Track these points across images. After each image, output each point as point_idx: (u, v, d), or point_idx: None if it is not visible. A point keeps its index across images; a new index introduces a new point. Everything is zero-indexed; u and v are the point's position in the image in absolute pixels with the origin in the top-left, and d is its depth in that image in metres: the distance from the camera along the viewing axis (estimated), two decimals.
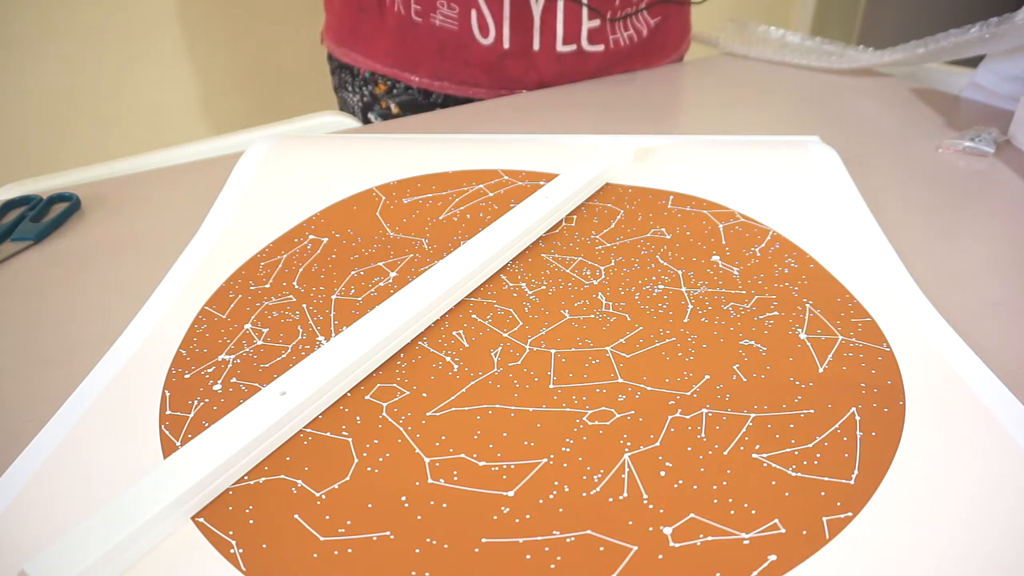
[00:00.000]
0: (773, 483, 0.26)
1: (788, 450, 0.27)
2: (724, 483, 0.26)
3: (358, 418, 0.29)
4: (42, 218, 0.46)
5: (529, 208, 0.40)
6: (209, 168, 0.52)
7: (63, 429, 0.29)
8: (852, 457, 0.27)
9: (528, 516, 0.25)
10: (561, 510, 0.25)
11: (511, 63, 0.67)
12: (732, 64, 0.73)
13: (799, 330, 0.33)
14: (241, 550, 0.24)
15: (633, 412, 0.29)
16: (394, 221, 0.42)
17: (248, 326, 0.35)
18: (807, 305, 0.35)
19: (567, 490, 0.26)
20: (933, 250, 0.41)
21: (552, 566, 0.24)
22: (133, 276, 0.40)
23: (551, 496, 0.26)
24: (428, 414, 0.30)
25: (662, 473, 0.27)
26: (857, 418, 0.29)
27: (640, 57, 0.71)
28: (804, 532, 0.24)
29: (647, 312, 0.35)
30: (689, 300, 0.36)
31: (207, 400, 0.30)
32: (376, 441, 0.28)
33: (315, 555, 0.24)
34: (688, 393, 0.30)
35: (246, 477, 0.27)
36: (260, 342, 0.34)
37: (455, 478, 0.27)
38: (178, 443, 0.28)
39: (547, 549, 0.24)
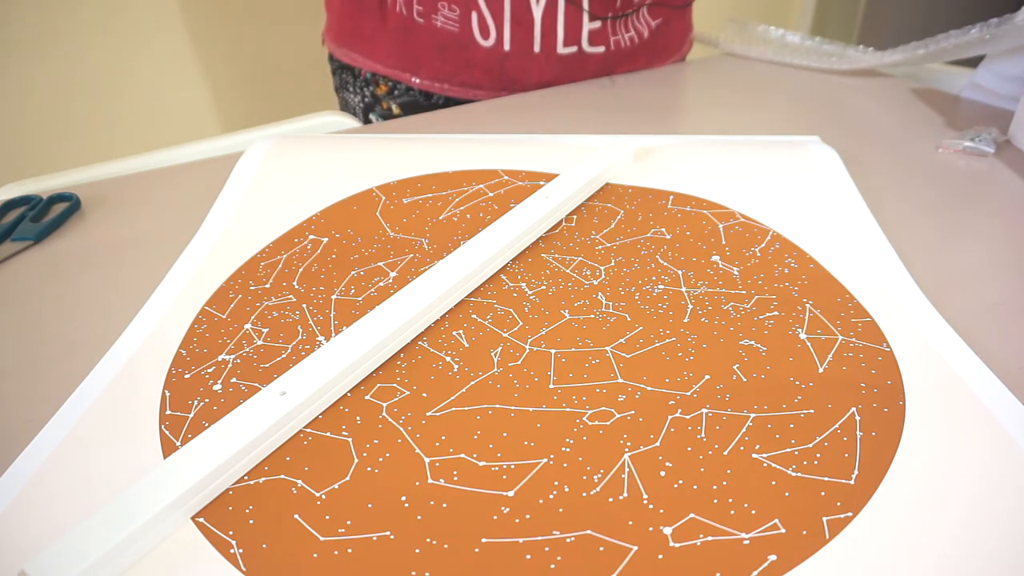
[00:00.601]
0: (773, 483, 0.26)
1: (788, 450, 0.27)
2: (724, 483, 0.26)
3: (358, 418, 0.29)
4: (42, 218, 0.46)
5: (529, 208, 0.40)
6: (209, 168, 0.52)
7: (63, 429, 0.29)
8: (852, 457, 0.27)
9: (528, 516, 0.25)
10: (561, 510, 0.25)
11: (512, 64, 0.67)
12: (732, 64, 0.73)
13: (799, 330, 0.33)
14: (241, 550, 0.24)
15: (633, 412, 0.29)
16: (394, 221, 0.42)
17: (248, 326, 0.35)
18: (807, 305, 0.35)
19: (567, 490, 0.26)
20: (933, 250, 0.41)
21: (552, 566, 0.24)
22: (133, 276, 0.40)
23: (551, 496, 0.26)
24: (428, 414, 0.30)
25: (662, 473, 0.27)
26: (857, 418, 0.29)
27: (641, 58, 0.71)
28: (804, 532, 0.24)
29: (647, 312, 0.35)
30: (689, 300, 0.36)
31: (207, 400, 0.30)
32: (376, 441, 0.28)
33: (315, 555, 0.24)
34: (688, 393, 0.30)
35: (246, 477, 0.27)
36: (260, 342, 0.34)
37: (455, 478, 0.27)
38: (178, 443, 0.28)
39: (547, 549, 0.24)
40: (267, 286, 0.37)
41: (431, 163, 0.47)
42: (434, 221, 0.42)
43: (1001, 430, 0.28)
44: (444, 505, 0.26)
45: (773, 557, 0.24)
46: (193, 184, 0.50)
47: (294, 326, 0.35)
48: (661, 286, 0.37)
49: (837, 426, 0.28)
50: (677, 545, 0.24)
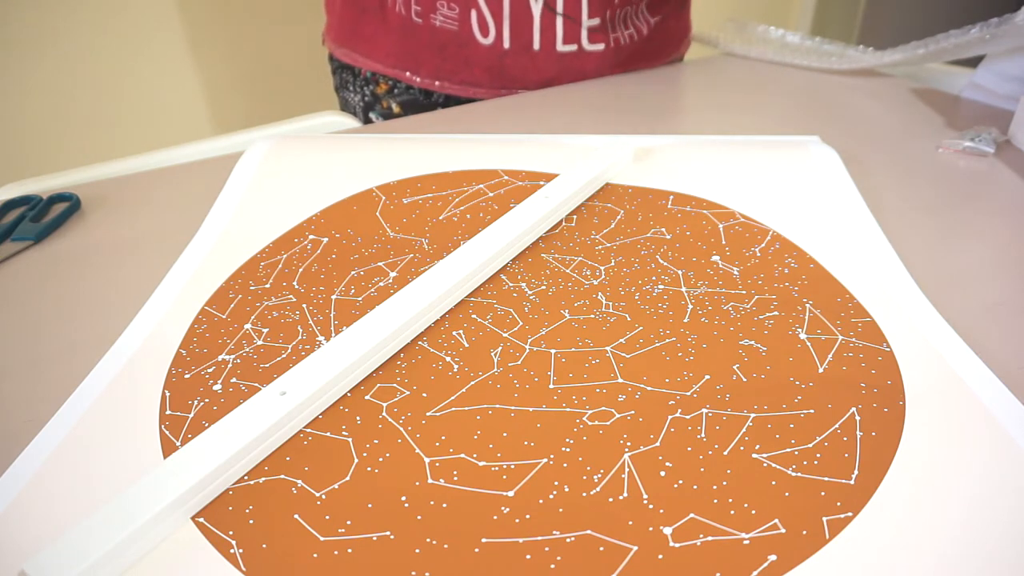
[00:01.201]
0: (773, 483, 0.26)
1: (788, 450, 0.27)
2: (724, 483, 0.26)
3: (358, 418, 0.29)
4: (42, 218, 0.46)
5: (529, 208, 0.40)
6: (209, 168, 0.52)
7: (63, 429, 0.29)
8: (852, 457, 0.27)
9: (528, 516, 0.25)
10: (561, 510, 0.25)
11: (511, 62, 0.67)
12: (732, 64, 0.73)
13: (799, 330, 0.33)
14: (241, 550, 0.24)
15: (633, 412, 0.29)
16: (394, 221, 0.42)
17: (248, 326, 0.35)
18: (807, 305, 0.35)
19: (567, 490, 0.26)
20: (933, 250, 0.41)
21: (552, 566, 0.24)
22: (133, 276, 0.40)
23: (551, 496, 0.26)
24: (428, 414, 0.30)
25: (662, 473, 0.27)
26: (857, 418, 0.29)
27: (641, 56, 0.71)
28: (804, 532, 0.24)
29: (647, 312, 0.35)
30: (689, 300, 0.36)
31: (207, 400, 0.30)
32: (376, 441, 0.28)
33: (315, 555, 0.24)
34: (688, 393, 0.30)
35: (246, 477, 0.27)
36: (260, 342, 0.34)
37: (455, 478, 0.27)
38: (178, 443, 0.28)
39: (547, 549, 0.24)
40: (267, 286, 0.37)
41: (431, 163, 0.47)
42: (434, 221, 0.42)
43: (1001, 430, 0.28)
44: (444, 505, 0.26)
45: (773, 557, 0.24)
46: (193, 184, 0.50)
47: (294, 326, 0.35)
48: (661, 286, 0.37)
49: (837, 426, 0.28)
50: (677, 545, 0.24)
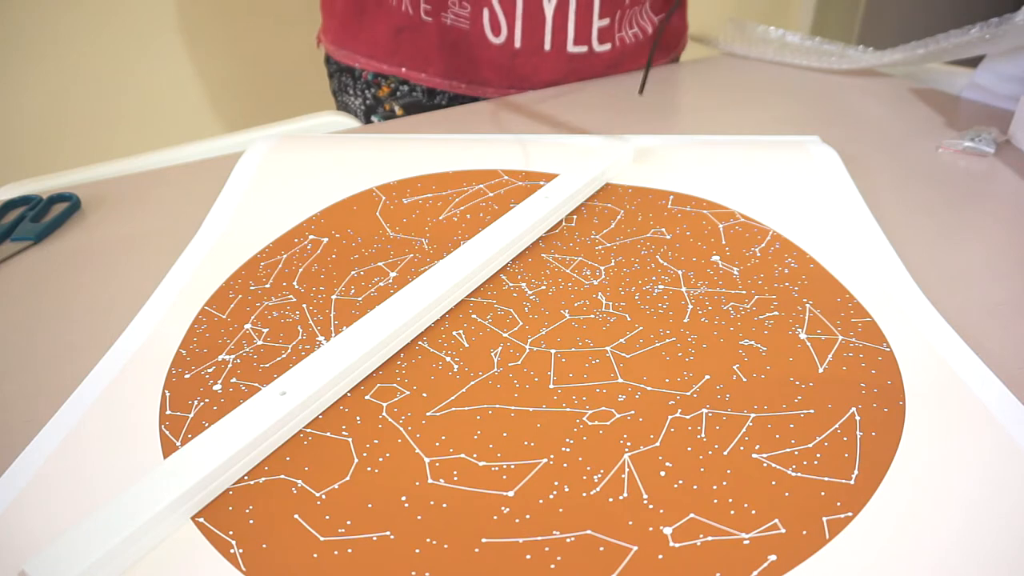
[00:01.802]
0: (773, 483, 0.26)
1: (788, 450, 0.27)
2: (724, 483, 0.26)
3: (358, 418, 0.29)
4: (42, 218, 0.46)
5: (529, 208, 0.40)
6: (209, 168, 0.52)
7: (63, 429, 0.29)
8: (852, 457, 0.27)
9: (528, 516, 0.25)
10: (561, 510, 0.25)
11: (522, 62, 0.67)
12: (732, 64, 0.73)
13: (799, 330, 0.33)
14: (241, 550, 0.24)
15: (633, 412, 0.29)
16: (394, 221, 0.42)
17: (248, 326, 0.35)
18: (807, 305, 0.35)
19: (567, 490, 0.26)
20: (933, 250, 0.41)
21: (552, 566, 0.24)
22: (133, 276, 0.40)
23: (551, 496, 0.26)
24: (428, 414, 0.30)
25: (662, 473, 0.27)
26: (857, 418, 0.29)
27: (642, 56, 0.71)
28: (804, 532, 0.24)
29: (647, 312, 0.35)
30: (689, 300, 0.36)
31: (207, 400, 0.30)
32: (376, 441, 0.28)
33: (315, 555, 0.24)
34: (688, 393, 0.30)
35: (246, 477, 0.27)
36: (260, 342, 0.34)
37: (455, 478, 0.27)
38: (178, 443, 0.28)
39: (547, 549, 0.24)
40: (267, 286, 0.37)
41: (431, 163, 0.47)
42: (434, 221, 0.42)
43: (1001, 430, 0.28)
44: (444, 505, 0.26)
45: (773, 557, 0.24)
46: (193, 184, 0.50)
47: (294, 326, 0.35)
48: (661, 286, 0.37)
49: (837, 426, 0.28)
50: (677, 545, 0.24)
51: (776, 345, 0.33)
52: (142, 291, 0.38)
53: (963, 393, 0.30)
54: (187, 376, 0.32)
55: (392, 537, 0.25)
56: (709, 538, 0.24)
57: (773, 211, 0.42)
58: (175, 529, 0.25)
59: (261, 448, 0.27)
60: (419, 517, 0.25)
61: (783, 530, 0.24)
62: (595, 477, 0.27)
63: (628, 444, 0.28)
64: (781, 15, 1.91)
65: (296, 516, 0.25)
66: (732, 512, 0.25)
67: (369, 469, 0.27)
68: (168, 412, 0.30)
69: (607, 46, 0.68)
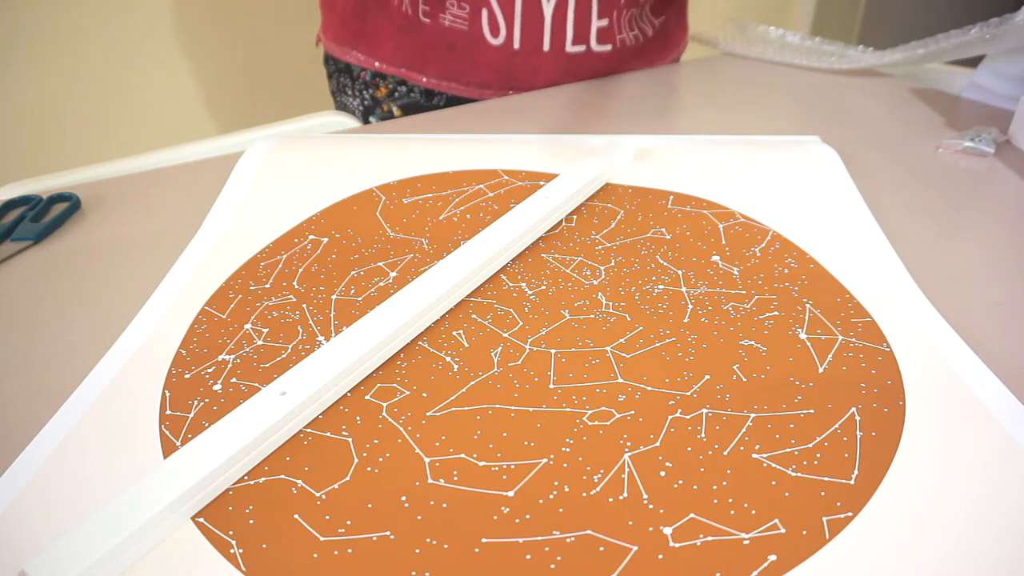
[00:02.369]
0: (773, 483, 0.26)
1: (788, 450, 0.27)
2: (724, 483, 0.26)
3: (358, 418, 0.29)
4: (42, 218, 0.46)
5: (529, 208, 0.40)
6: (209, 168, 0.52)
7: (63, 429, 0.29)
8: (852, 457, 0.27)
9: (528, 516, 0.25)
10: (561, 510, 0.25)
11: (520, 63, 0.67)
12: (732, 64, 0.73)
13: (799, 330, 0.33)
14: (241, 550, 0.24)
15: (633, 412, 0.29)
16: (394, 221, 0.42)
17: (248, 326, 0.35)
18: (807, 305, 0.35)
19: (567, 490, 0.26)
20: (933, 250, 0.41)
21: (552, 566, 0.24)
22: (133, 276, 0.40)
23: (551, 496, 0.26)
24: (428, 414, 0.30)
25: (662, 473, 0.27)
26: (857, 418, 0.29)
27: (642, 57, 0.72)
28: (804, 532, 0.24)
29: (647, 312, 0.35)
30: (689, 300, 0.36)
31: (207, 400, 0.30)
32: (376, 441, 0.28)
33: (315, 555, 0.24)
34: (688, 393, 0.30)
35: (246, 477, 0.27)
36: (260, 342, 0.34)
37: (455, 478, 0.27)
38: (178, 443, 0.28)
39: (547, 549, 0.24)
40: (267, 286, 0.37)
41: (431, 163, 0.47)
42: (434, 221, 0.42)
43: (1001, 430, 0.28)
44: (444, 505, 0.26)
45: (773, 557, 0.24)
46: (193, 184, 0.50)
47: (294, 326, 0.35)
48: (661, 286, 0.37)
49: (837, 426, 0.28)
50: (677, 545, 0.24)
51: (776, 345, 0.33)
52: (142, 291, 0.38)
53: (963, 393, 0.30)
54: (187, 376, 0.32)
55: (392, 537, 0.25)
56: (709, 538, 0.24)
57: (773, 211, 0.42)
58: (175, 529, 0.25)
59: (261, 448, 0.27)
60: (419, 517, 0.25)
61: (783, 530, 0.24)
62: (595, 477, 0.27)
63: (628, 444, 0.28)
64: (781, 15, 1.91)
65: (296, 516, 0.25)
66: (732, 512, 0.25)
67: (369, 469, 0.27)
68: (168, 412, 0.30)
69: (607, 47, 0.68)
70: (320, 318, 0.35)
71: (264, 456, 0.27)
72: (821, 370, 0.31)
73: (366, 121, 0.74)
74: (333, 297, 0.37)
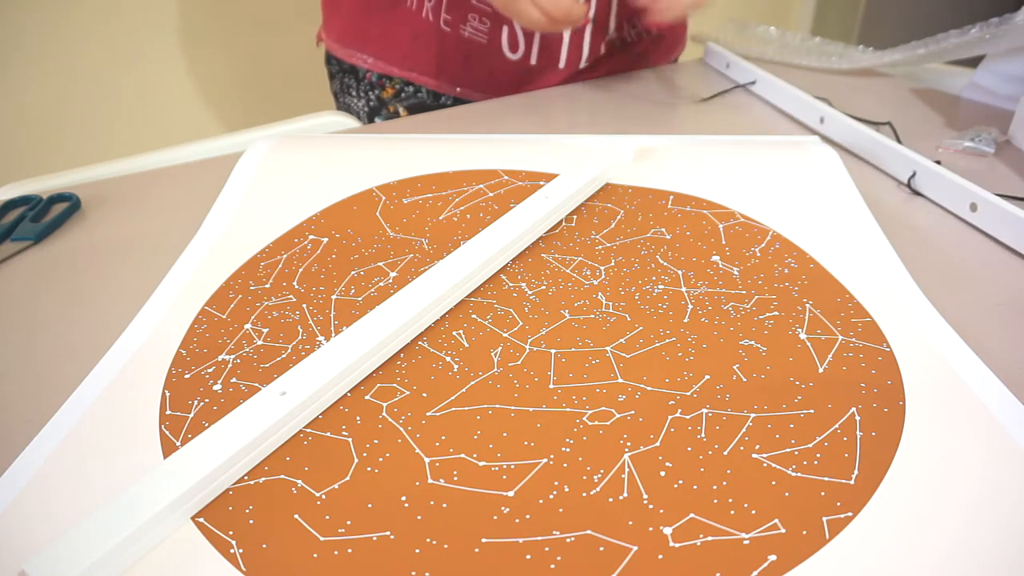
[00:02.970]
0: (773, 483, 0.26)
1: (788, 450, 0.27)
2: (724, 483, 0.26)
3: (358, 418, 0.29)
4: (42, 218, 0.46)
5: (529, 208, 0.40)
6: (209, 168, 0.52)
7: (63, 429, 0.29)
8: (852, 457, 0.27)
9: (528, 516, 0.25)
10: (561, 510, 0.25)
11: (534, 77, 0.68)
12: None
13: (799, 330, 0.33)
14: (241, 550, 0.24)
15: (633, 412, 0.29)
16: (394, 221, 0.42)
17: (248, 326, 0.35)
18: (807, 305, 0.35)
19: (567, 490, 0.26)
20: (933, 250, 0.41)
21: (552, 566, 0.24)
22: (133, 276, 0.40)
23: (551, 496, 0.26)
24: (428, 414, 0.30)
25: (662, 473, 0.27)
26: (857, 418, 0.29)
27: (646, 57, 0.72)
28: (804, 532, 0.24)
29: (647, 312, 0.35)
30: (689, 300, 0.36)
31: (207, 400, 0.30)
32: (376, 441, 0.28)
33: (315, 555, 0.24)
34: (688, 393, 0.30)
35: (246, 477, 0.27)
36: (260, 342, 0.34)
37: (455, 478, 0.27)
38: (178, 443, 0.28)
39: (547, 549, 0.24)
40: (267, 286, 0.37)
41: (431, 163, 0.47)
42: (434, 221, 0.42)
43: (1001, 430, 0.28)
44: (444, 505, 0.26)
45: (773, 557, 0.24)
46: (193, 184, 0.50)
47: (294, 326, 0.35)
48: (661, 286, 0.37)
49: (837, 426, 0.28)
50: (677, 545, 0.24)
51: (776, 345, 0.33)
52: (142, 291, 0.38)
53: (963, 393, 0.30)
54: (187, 376, 0.32)
55: (392, 537, 0.25)
56: (709, 538, 0.24)
57: (773, 211, 0.42)
58: (175, 529, 0.25)
59: (261, 448, 0.27)
60: (419, 517, 0.25)
61: (783, 530, 0.24)
62: (595, 477, 0.27)
63: (628, 444, 0.28)
64: (781, 15, 1.91)
65: (296, 516, 0.25)
66: (732, 512, 0.25)
67: (369, 469, 0.27)
68: (168, 412, 0.30)
69: (611, 57, 0.69)
70: (320, 318, 0.35)
71: (264, 456, 0.27)
72: (821, 370, 0.31)
73: (371, 122, 0.74)
74: (333, 297, 0.37)
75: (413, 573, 0.23)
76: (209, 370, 0.32)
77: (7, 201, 0.48)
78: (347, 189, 0.45)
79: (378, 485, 0.26)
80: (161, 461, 0.28)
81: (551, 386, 0.31)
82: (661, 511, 0.25)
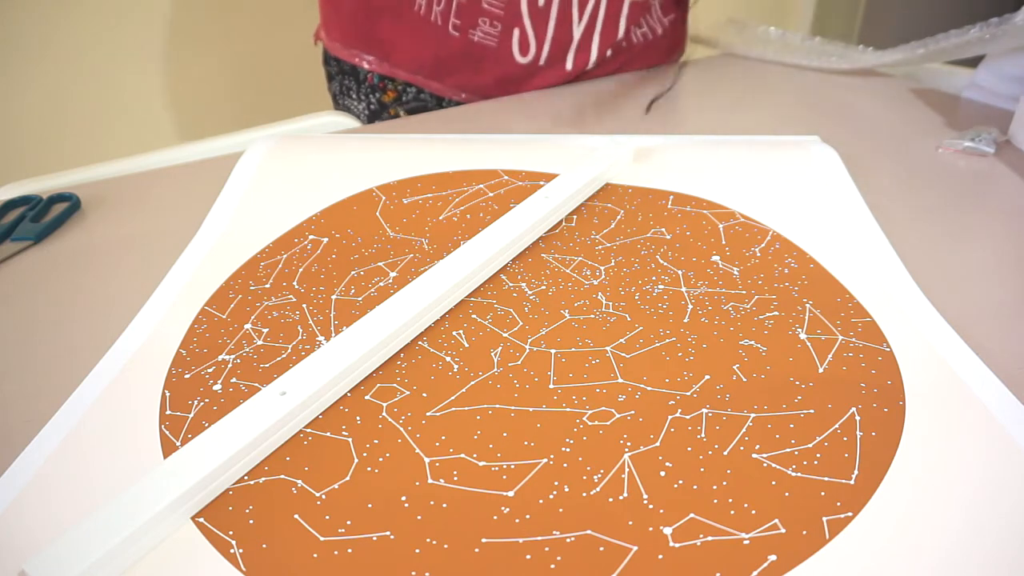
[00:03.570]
0: (773, 483, 0.26)
1: (788, 450, 0.27)
2: (724, 483, 0.26)
3: (358, 418, 0.29)
4: (42, 218, 0.46)
5: (529, 208, 0.40)
6: (209, 168, 0.52)
7: (63, 429, 0.29)
8: (852, 457, 0.27)
9: (528, 516, 0.25)
10: (561, 510, 0.25)
11: (540, 79, 0.68)
12: (732, 64, 0.73)
13: (799, 330, 0.33)
14: (241, 550, 0.24)
15: (633, 412, 0.29)
16: (394, 221, 0.42)
17: (248, 326, 0.35)
18: (807, 305, 0.35)
19: (567, 490, 0.26)
20: (933, 250, 0.41)
21: (552, 566, 0.24)
22: (133, 276, 0.40)
23: (551, 496, 0.26)
24: (428, 414, 0.30)
25: (662, 473, 0.27)
26: (857, 418, 0.29)
27: (649, 56, 0.72)
28: (804, 532, 0.24)
29: (647, 312, 0.35)
30: (689, 300, 0.36)
31: (207, 400, 0.30)
32: (376, 441, 0.28)
33: (315, 555, 0.24)
34: (688, 393, 0.30)
35: (246, 477, 0.27)
36: (260, 342, 0.34)
37: (455, 478, 0.27)
38: (178, 443, 0.28)
39: (547, 549, 0.24)
40: (267, 286, 0.37)
41: (431, 163, 0.47)
42: (434, 221, 0.42)
43: (1001, 430, 0.28)
44: (444, 505, 0.26)
45: (773, 557, 0.24)
46: (193, 184, 0.50)
47: (294, 326, 0.35)
48: (661, 286, 0.37)
49: (837, 426, 0.28)
50: (677, 545, 0.24)
51: (776, 345, 0.33)
52: (142, 291, 0.38)
53: (963, 393, 0.30)
54: (187, 376, 0.32)
55: (392, 537, 0.25)
56: (709, 538, 0.24)
57: (773, 211, 0.42)
58: (175, 529, 0.25)
59: (261, 448, 0.27)
60: (419, 517, 0.25)
61: (783, 530, 0.24)
62: (595, 477, 0.27)
63: (628, 444, 0.28)
64: (781, 15, 1.91)
65: (296, 516, 0.25)
66: (732, 512, 0.25)
67: (369, 469, 0.27)
68: (168, 412, 0.30)
69: (619, 57, 0.69)
70: (320, 318, 0.35)
71: (264, 456, 0.27)
72: (821, 370, 0.31)
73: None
74: (333, 297, 0.37)
75: (413, 573, 0.23)
76: (209, 370, 0.32)
77: (7, 201, 0.48)
78: (347, 189, 0.45)
79: (378, 485, 0.26)
80: (161, 461, 0.28)
81: (551, 386, 0.31)
82: (661, 511, 0.25)
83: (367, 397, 0.30)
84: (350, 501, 0.26)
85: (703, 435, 0.28)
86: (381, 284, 0.37)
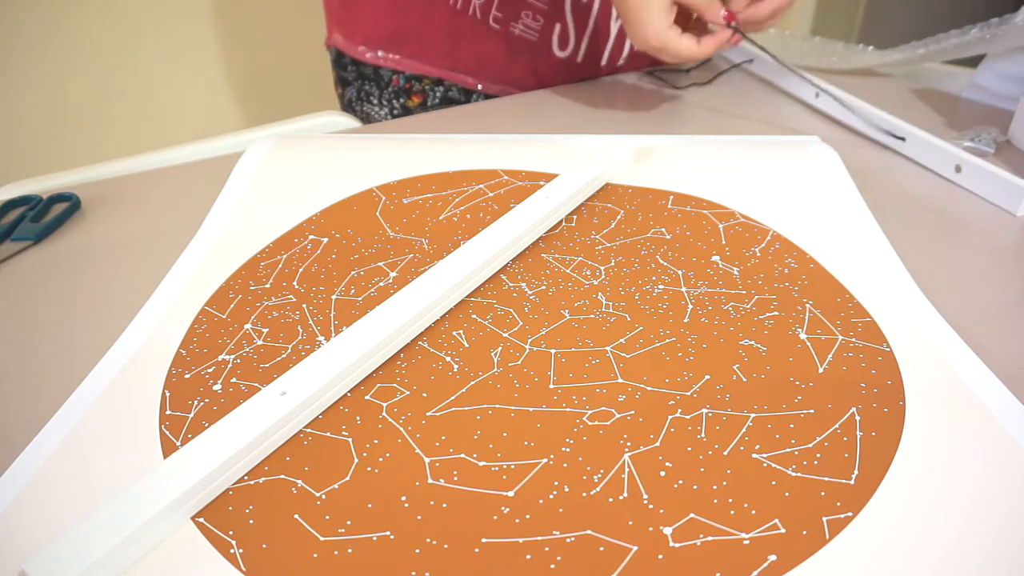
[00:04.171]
0: (773, 483, 0.26)
1: (788, 450, 0.27)
2: (724, 483, 0.26)
3: (358, 418, 0.29)
4: (42, 218, 0.46)
5: (529, 208, 0.40)
6: (209, 168, 0.52)
7: (63, 429, 0.29)
8: (852, 457, 0.27)
9: (528, 516, 0.25)
10: (561, 510, 0.25)
11: (576, 74, 0.69)
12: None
13: (799, 330, 0.33)
14: (241, 550, 0.24)
15: (633, 412, 0.29)
16: (394, 221, 0.42)
17: (248, 326, 0.35)
18: (807, 305, 0.35)
19: (567, 490, 0.26)
20: (933, 250, 0.41)
21: (552, 566, 0.24)
22: (133, 276, 0.40)
23: (551, 496, 0.26)
24: (428, 414, 0.30)
25: (662, 473, 0.27)
26: (857, 418, 0.29)
27: (649, 58, 0.72)
28: (804, 532, 0.24)
29: (647, 312, 0.35)
30: (689, 300, 0.36)
31: (207, 400, 0.30)
32: (376, 441, 0.28)
33: (315, 555, 0.24)
34: (688, 393, 0.30)
35: (246, 477, 0.27)
36: (260, 342, 0.34)
37: (455, 478, 0.27)
38: (178, 443, 0.28)
39: (547, 549, 0.24)
40: (267, 286, 0.37)
41: (431, 163, 0.47)
42: (434, 221, 0.42)
43: (1001, 430, 0.28)
44: (444, 505, 0.26)
45: (773, 557, 0.24)
46: (193, 184, 0.50)
47: (294, 326, 0.35)
48: (661, 286, 0.37)
49: (837, 426, 0.28)
50: (677, 545, 0.24)
51: (776, 345, 0.33)
52: (142, 291, 0.38)
53: (963, 393, 0.30)
54: (187, 376, 0.32)
55: (392, 537, 0.25)
56: (709, 538, 0.24)
57: (773, 211, 0.42)
58: (175, 529, 0.25)
59: (261, 448, 0.27)
60: (419, 517, 0.25)
61: (783, 530, 0.24)
62: (595, 477, 0.27)
63: (628, 444, 0.28)
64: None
65: (296, 516, 0.25)
66: (732, 512, 0.25)
67: (369, 469, 0.27)
68: (168, 412, 0.30)
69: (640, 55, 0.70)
70: (320, 318, 0.35)
71: (264, 456, 0.27)
72: (821, 370, 0.31)
73: None
74: (333, 297, 0.37)
75: (413, 573, 0.23)
76: (209, 370, 0.32)
77: (7, 201, 0.48)
78: (347, 189, 0.45)
79: (378, 485, 0.26)
80: (161, 461, 0.28)
81: (551, 386, 0.31)
82: (661, 511, 0.25)
83: (367, 397, 0.30)
84: (350, 501, 0.26)
85: (703, 435, 0.28)
86: (381, 284, 0.37)
